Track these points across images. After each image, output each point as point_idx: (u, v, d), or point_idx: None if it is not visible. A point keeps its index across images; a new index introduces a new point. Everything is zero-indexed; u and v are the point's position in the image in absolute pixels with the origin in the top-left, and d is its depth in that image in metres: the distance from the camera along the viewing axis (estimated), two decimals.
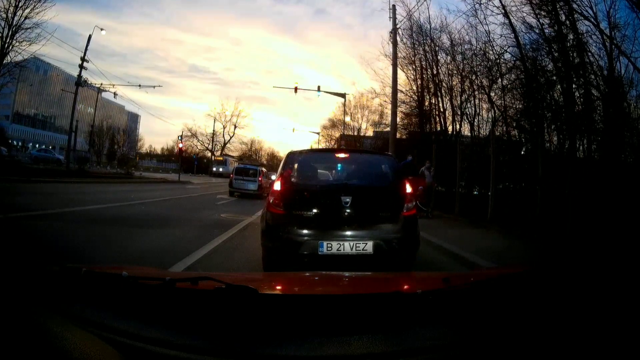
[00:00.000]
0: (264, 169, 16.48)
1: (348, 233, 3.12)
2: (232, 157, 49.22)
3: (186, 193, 14.11)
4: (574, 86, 8.19)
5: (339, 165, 3.91)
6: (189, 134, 54.78)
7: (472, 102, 11.39)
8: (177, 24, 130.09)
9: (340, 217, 3.17)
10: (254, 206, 10.23)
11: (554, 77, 8.35)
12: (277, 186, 3.33)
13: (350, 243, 3.07)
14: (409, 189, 3.42)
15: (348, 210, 3.17)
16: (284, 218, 3.18)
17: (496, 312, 0.96)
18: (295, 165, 3.57)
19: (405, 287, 1.39)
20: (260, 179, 14.10)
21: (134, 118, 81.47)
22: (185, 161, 52.44)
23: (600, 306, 0.95)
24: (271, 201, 3.30)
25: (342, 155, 4.03)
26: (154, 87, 33.53)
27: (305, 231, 3.12)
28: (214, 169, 46.65)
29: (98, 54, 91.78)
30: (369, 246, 3.06)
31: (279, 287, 1.42)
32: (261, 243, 3.34)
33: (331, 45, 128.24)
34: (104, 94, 31.93)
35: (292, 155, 3.68)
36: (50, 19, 15.59)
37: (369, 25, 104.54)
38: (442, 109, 12.96)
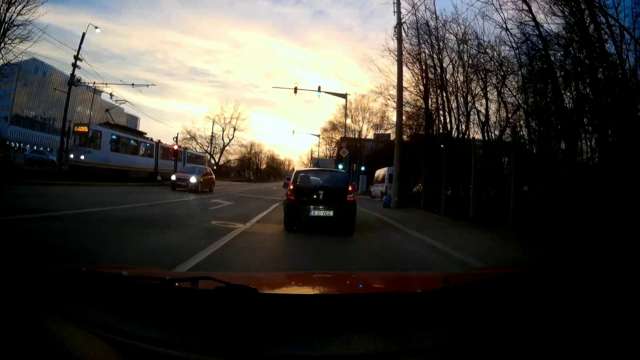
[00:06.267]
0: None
1: (321, 207, 6.42)
2: (119, 129, 22.19)
3: (180, 197, 13.40)
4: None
5: (319, 176, 7.43)
6: (188, 136, 54.13)
7: (483, 100, 10.68)
8: (176, 26, 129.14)
9: (319, 200, 6.47)
10: (251, 212, 9.53)
11: (579, 69, 7.65)
12: (291, 187, 6.71)
13: (323, 211, 6.39)
14: (350, 187, 6.84)
15: (322, 198, 6.48)
16: (294, 201, 6.46)
17: (496, 312, 0.95)
18: (299, 176, 7.14)
19: (406, 286, 1.36)
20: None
21: (133, 120, 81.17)
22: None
23: (600, 306, 0.93)
24: (288, 194, 6.65)
25: (321, 172, 8.29)
26: (147, 85, 30.61)
27: (303, 206, 6.41)
28: (72, 155, 18.57)
29: (97, 56, 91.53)
30: (330, 212, 6.39)
31: (279, 287, 1.41)
32: (284, 214, 6.70)
33: (331, 47, 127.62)
34: (103, 96, 30.93)
35: (298, 172, 7.50)
36: (41, 16, 14.99)
37: (368, 27, 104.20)
38: (449, 109, 12.30)
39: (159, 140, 25.28)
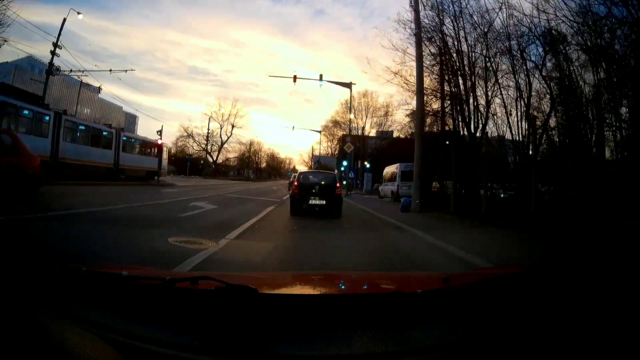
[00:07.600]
0: None
1: (317, 198, 9.03)
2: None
3: (157, 198, 11.40)
4: None
5: (316, 176, 10.14)
6: (185, 134, 52.29)
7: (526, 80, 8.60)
8: (176, 26, 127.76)
9: (315, 193, 9.10)
10: (235, 219, 7.36)
11: None
12: (295, 183, 9.63)
13: (318, 201, 9.01)
14: (337, 184, 9.91)
15: (318, 191, 9.13)
16: (298, 193, 9.19)
17: (496, 312, 0.95)
18: (301, 176, 10.20)
19: (406, 286, 1.31)
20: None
21: (131, 119, 79.69)
22: (178, 162, 49.86)
23: (601, 306, 0.91)
24: (293, 188, 9.74)
25: (317, 173, 11.30)
26: (126, 71, 26.60)
27: (304, 197, 9.04)
28: None
29: (98, 55, 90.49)
30: (324, 202, 9.01)
31: (279, 287, 1.40)
32: (290, 203, 9.45)
33: (331, 47, 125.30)
34: (102, 95, 28.90)
35: (300, 172, 11.52)
36: None
37: (368, 26, 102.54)
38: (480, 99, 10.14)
39: (65, 111, 16.36)
